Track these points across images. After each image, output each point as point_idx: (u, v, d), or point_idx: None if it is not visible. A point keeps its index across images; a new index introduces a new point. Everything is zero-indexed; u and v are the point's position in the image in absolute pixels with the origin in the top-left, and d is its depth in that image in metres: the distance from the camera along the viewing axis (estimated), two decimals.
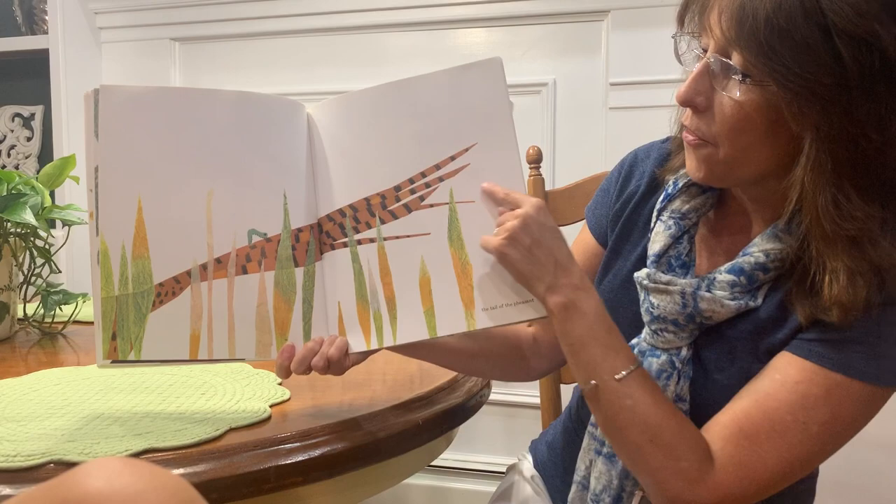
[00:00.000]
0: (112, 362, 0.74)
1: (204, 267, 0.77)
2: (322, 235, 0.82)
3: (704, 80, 0.71)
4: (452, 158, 0.79)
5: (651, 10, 1.79)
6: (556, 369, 1.01)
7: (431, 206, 0.79)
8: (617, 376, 0.73)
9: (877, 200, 0.67)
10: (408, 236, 0.80)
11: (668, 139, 0.90)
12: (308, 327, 0.81)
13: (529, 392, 1.88)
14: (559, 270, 0.74)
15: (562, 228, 1.42)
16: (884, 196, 0.67)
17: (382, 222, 0.80)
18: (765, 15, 0.64)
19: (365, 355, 0.82)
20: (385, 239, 0.80)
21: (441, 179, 0.79)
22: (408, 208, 0.80)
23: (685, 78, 0.73)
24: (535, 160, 1.38)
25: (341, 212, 0.81)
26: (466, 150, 0.78)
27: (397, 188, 0.80)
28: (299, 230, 0.81)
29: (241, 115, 0.79)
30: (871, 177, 0.66)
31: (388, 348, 0.81)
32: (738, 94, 0.68)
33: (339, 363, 0.79)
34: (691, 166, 0.76)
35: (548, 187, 1.38)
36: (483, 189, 0.77)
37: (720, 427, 0.74)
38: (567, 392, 1.17)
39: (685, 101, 0.73)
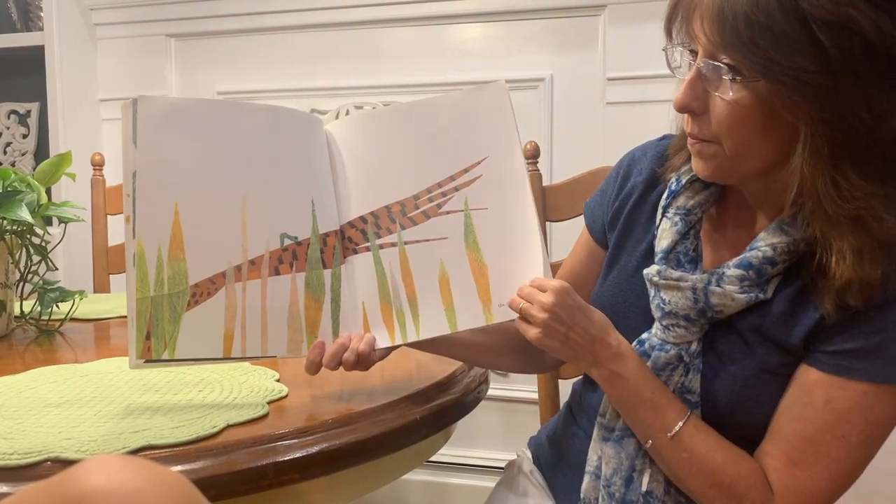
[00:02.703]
0: (145, 362, 0.76)
1: (238, 268, 0.81)
2: (345, 241, 0.87)
3: (698, 85, 0.73)
4: (466, 171, 0.84)
5: (648, 5, 1.78)
6: (563, 364, 1.04)
7: (448, 213, 0.84)
8: (669, 434, 0.78)
9: (877, 178, 0.68)
10: (427, 240, 0.85)
11: (664, 137, 0.93)
12: (336, 325, 0.86)
13: (527, 387, 1.88)
14: (597, 345, 0.79)
15: (559, 224, 1.43)
16: (884, 173, 0.69)
17: (403, 228, 0.86)
18: (743, 14, 0.66)
19: (388, 351, 0.86)
20: (406, 243, 0.85)
21: (456, 189, 0.85)
22: (426, 215, 0.85)
23: (680, 87, 0.75)
24: (533, 155, 1.38)
25: (363, 219, 0.87)
26: (478, 163, 0.84)
27: (416, 197, 0.85)
28: (326, 235, 0.86)
29: (271, 127, 0.83)
30: (869, 155, 0.68)
31: (410, 344, 0.85)
32: (730, 93, 0.70)
33: (368, 358, 0.83)
34: (698, 166, 0.78)
35: (545, 183, 1.38)
36: (510, 305, 0.80)
37: (769, 459, 0.77)
38: (565, 387, 1.17)
39: (682, 108, 0.75)
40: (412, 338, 0.84)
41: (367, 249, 0.86)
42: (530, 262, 0.82)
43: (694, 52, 0.74)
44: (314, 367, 0.83)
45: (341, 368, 0.84)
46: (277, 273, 0.83)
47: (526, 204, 0.83)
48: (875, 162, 0.68)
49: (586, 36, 1.86)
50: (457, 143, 0.85)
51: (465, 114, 0.85)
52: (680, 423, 0.78)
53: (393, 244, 0.85)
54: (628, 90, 1.82)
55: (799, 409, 0.75)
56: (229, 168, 0.81)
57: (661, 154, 0.90)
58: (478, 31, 1.93)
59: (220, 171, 0.80)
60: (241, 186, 0.81)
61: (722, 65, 0.70)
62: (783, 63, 0.66)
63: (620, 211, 0.92)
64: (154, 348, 0.76)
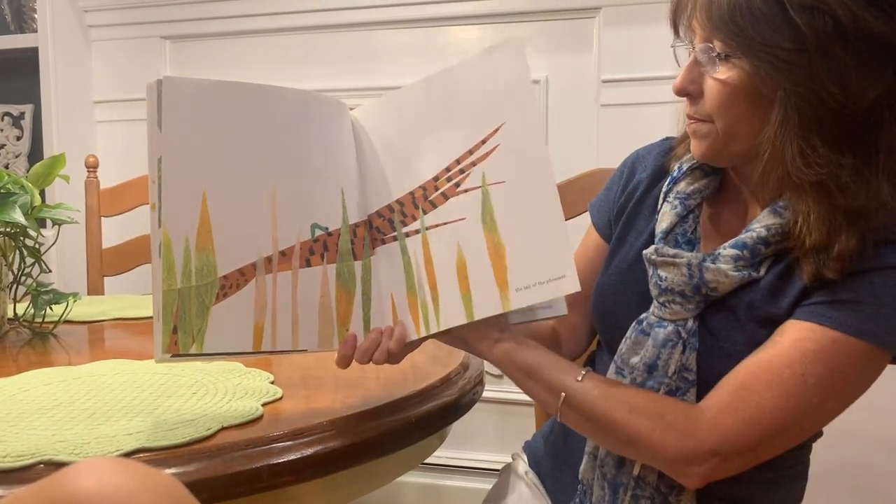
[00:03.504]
0: (172, 356, 0.73)
1: (269, 259, 0.78)
2: (372, 231, 0.85)
3: (694, 69, 0.79)
4: (483, 142, 0.79)
5: (642, 7, 1.79)
6: (580, 355, 1.05)
7: (466, 191, 0.80)
8: (578, 378, 0.79)
9: (848, 150, 0.72)
10: (445, 223, 0.81)
11: (667, 139, 0.96)
12: (368, 318, 0.84)
13: None
14: (496, 322, 0.80)
15: None
16: (854, 146, 0.72)
17: (424, 213, 0.82)
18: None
19: (418, 344, 0.84)
20: (427, 228, 0.82)
21: (474, 164, 0.79)
22: (445, 196, 0.81)
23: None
24: None
25: (390, 207, 0.84)
26: (495, 131, 0.78)
27: (436, 178, 0.81)
28: (356, 225, 0.84)
29: (300, 112, 0.80)
30: (838, 128, 0.72)
31: (434, 335, 0.82)
32: (719, 73, 0.76)
33: (399, 354, 0.83)
34: (694, 147, 0.83)
35: None
36: None
37: (721, 383, 0.77)
38: None
39: (679, 91, 0.81)
40: (434, 329, 0.81)
41: (395, 239, 0.84)
42: (553, 240, 0.76)
43: (694, 44, 0.79)
44: (345, 361, 0.82)
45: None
46: (308, 264, 0.80)
47: (546, 175, 0.77)
48: (844, 135, 0.72)
49: (581, 38, 1.87)
50: (473, 113, 0.79)
51: (480, 78, 0.79)
52: (585, 370, 0.80)
53: (416, 231, 0.82)
54: (623, 92, 1.82)
55: (768, 346, 0.76)
56: (258, 154, 0.77)
57: (666, 151, 0.94)
58: (474, 33, 1.94)
59: (249, 157, 0.77)
60: (271, 173, 0.78)
61: (712, 46, 0.76)
62: (761, 42, 0.72)
63: (626, 205, 0.95)
64: (181, 342, 0.73)
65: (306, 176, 0.80)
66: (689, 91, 0.80)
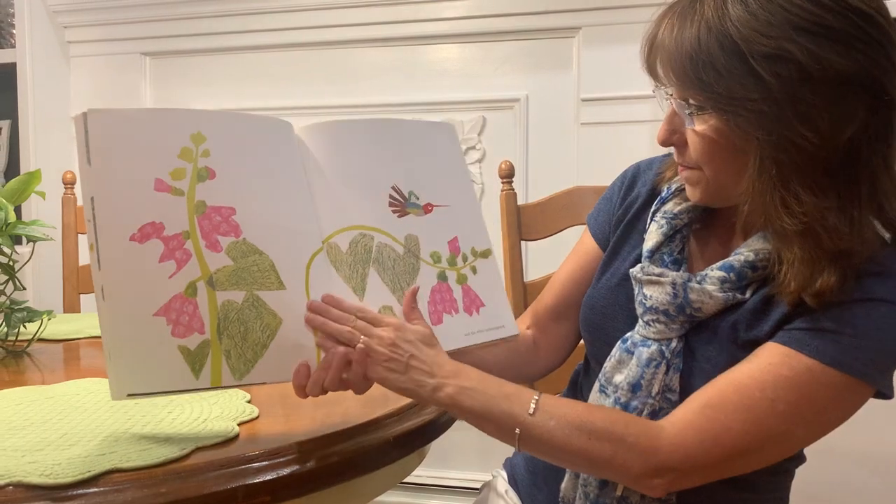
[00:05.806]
0: (128, 395, 0.70)
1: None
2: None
3: (675, 119, 0.79)
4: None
5: (622, 27, 1.81)
6: (558, 366, 1.05)
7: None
8: (530, 412, 0.77)
9: (831, 191, 0.71)
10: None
11: (669, 154, 0.94)
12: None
13: None
14: (435, 369, 0.78)
15: (533, 243, 1.43)
16: (838, 186, 0.72)
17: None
18: (689, 54, 0.73)
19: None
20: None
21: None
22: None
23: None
24: (508, 175, 1.39)
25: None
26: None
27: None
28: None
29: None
30: (820, 172, 0.71)
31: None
32: (696, 126, 0.76)
33: (359, 384, 0.78)
34: (690, 193, 0.83)
35: (520, 201, 1.38)
36: (325, 298, 0.78)
37: (689, 399, 0.77)
38: None
39: (664, 143, 0.81)
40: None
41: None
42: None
43: (670, 91, 0.78)
44: (300, 392, 0.78)
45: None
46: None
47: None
48: (824, 177, 0.71)
49: (561, 57, 1.88)
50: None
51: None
52: (535, 398, 0.77)
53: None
54: (602, 111, 1.84)
55: (742, 366, 0.76)
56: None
57: (666, 167, 0.94)
58: (454, 51, 1.95)
59: None
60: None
61: (683, 101, 0.75)
62: (727, 95, 0.71)
63: (622, 218, 0.95)
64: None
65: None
66: (673, 142, 0.80)
